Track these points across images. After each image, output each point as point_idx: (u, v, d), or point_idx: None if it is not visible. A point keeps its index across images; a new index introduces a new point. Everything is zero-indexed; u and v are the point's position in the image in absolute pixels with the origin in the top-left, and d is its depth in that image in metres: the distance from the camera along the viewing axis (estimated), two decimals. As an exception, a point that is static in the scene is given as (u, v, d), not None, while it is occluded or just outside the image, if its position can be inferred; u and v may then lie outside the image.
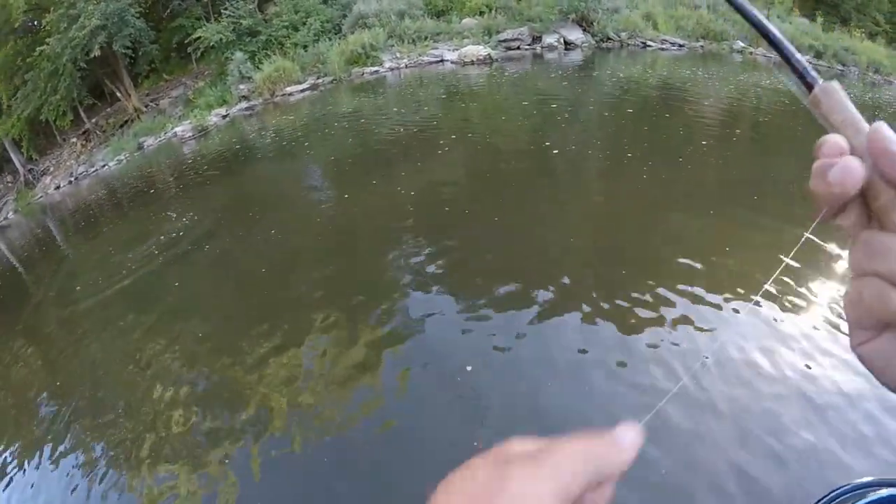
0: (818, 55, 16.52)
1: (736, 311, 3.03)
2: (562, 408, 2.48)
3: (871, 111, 9.60)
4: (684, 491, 2.03)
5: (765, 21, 0.44)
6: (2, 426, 3.87)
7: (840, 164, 0.28)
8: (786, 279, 3.22)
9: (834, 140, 0.30)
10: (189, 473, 2.63)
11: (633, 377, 2.59)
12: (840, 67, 16.06)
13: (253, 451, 2.64)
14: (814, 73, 0.36)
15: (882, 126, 0.29)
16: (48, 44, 14.83)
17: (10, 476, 3.20)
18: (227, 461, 2.63)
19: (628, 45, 13.08)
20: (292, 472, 2.49)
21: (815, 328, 2.86)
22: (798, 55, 0.38)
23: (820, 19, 16.70)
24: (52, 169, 16.71)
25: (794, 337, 2.79)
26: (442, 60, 12.69)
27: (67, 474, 2.96)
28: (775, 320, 2.91)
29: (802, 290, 3.16)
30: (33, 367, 4.64)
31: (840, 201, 0.29)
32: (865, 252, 0.29)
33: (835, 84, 0.33)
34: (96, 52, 14.79)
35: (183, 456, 2.76)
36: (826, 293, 3.14)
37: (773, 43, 0.43)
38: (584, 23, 13.21)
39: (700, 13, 14.07)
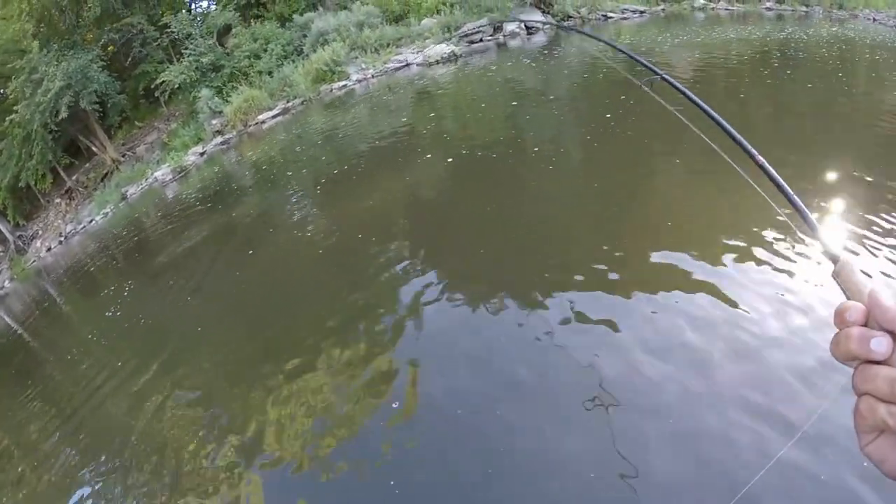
0: (779, 0, 16.49)
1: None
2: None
3: (841, 45, 9.55)
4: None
5: (798, 201, 0.60)
6: (22, 481, 3.84)
7: (884, 342, 0.38)
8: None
9: (857, 309, 0.40)
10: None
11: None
12: (804, 9, 15.98)
13: (266, 479, 2.60)
14: (837, 250, 0.48)
15: (876, 292, 0.40)
16: (16, 111, 14.78)
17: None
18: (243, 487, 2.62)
19: (589, 19, 13.07)
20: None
21: None
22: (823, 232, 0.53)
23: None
24: (41, 232, 16.70)
25: None
26: (407, 64, 12.67)
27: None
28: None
29: None
30: (46, 421, 4.59)
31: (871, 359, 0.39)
32: (860, 378, 0.40)
33: (851, 258, 0.45)
34: (64, 114, 14.69)
35: (198, 487, 2.76)
36: None
37: (806, 220, 0.57)
38: (542, 5, 13.20)
39: (655, -23, 14.07)
